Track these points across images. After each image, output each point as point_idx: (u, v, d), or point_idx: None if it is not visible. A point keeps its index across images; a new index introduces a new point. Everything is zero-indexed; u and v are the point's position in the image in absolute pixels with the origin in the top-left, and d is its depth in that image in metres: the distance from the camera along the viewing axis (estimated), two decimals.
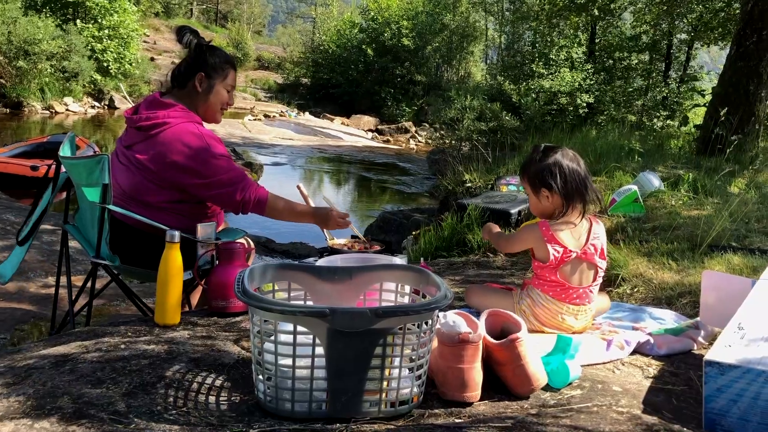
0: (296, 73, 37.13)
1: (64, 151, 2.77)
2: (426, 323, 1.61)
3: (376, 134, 25.58)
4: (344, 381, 1.57)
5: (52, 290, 3.04)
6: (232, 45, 39.55)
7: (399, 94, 29.95)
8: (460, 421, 1.60)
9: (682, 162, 6.61)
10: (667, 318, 2.49)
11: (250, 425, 1.55)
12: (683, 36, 18.81)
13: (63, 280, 2.85)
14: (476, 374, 1.70)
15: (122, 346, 1.98)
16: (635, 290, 2.93)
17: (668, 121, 15.20)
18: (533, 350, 1.78)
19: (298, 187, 3.10)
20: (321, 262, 2.35)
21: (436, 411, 1.67)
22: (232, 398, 1.70)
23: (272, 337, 1.58)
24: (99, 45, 23.09)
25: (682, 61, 19.90)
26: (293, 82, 36.79)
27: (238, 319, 2.36)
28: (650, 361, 2.13)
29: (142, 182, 2.51)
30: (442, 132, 15.72)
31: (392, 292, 1.95)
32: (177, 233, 2.20)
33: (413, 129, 26.29)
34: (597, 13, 15.66)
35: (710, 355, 1.68)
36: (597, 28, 20.15)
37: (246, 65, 42.65)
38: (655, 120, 15.77)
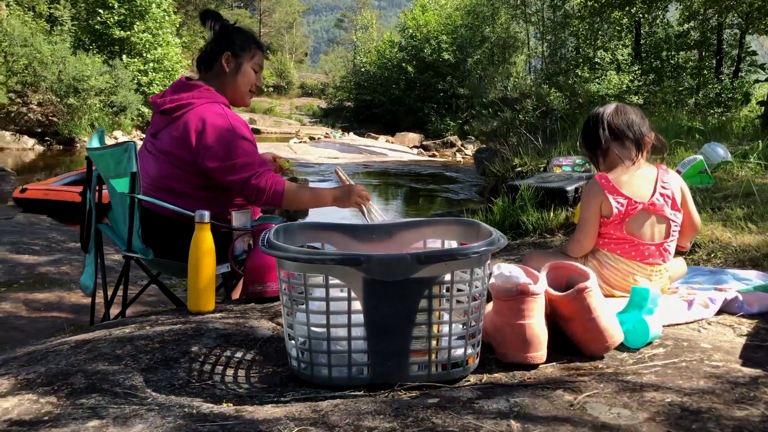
0: (339, 97, 37.43)
1: (92, 143, 2.65)
2: (477, 271, 1.39)
3: (422, 149, 25.36)
4: (386, 341, 1.36)
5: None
6: (276, 74, 40.09)
7: (442, 108, 29.74)
8: (523, 380, 1.37)
9: (748, 139, 6.19)
10: (753, 278, 2.20)
11: (282, 395, 1.35)
12: (734, 31, 18.12)
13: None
14: (539, 331, 1.46)
15: (147, 327, 1.81)
16: (712, 255, 2.64)
17: (723, 118, 14.57)
18: (604, 303, 1.54)
19: (336, 171, 2.91)
20: None
21: (496, 375, 1.44)
22: (264, 371, 1.51)
23: (302, 294, 1.38)
24: (145, 78, 23.62)
25: (734, 57, 19.16)
26: (337, 106, 37.06)
27: (275, 303, 2.17)
28: (741, 319, 1.86)
29: (166, 168, 2.38)
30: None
31: None
32: (207, 213, 2.03)
33: (459, 143, 25.99)
34: (640, 6, 15.15)
35: None
36: (642, 27, 19.62)
37: (290, 93, 43.19)
38: (709, 118, 15.14)
